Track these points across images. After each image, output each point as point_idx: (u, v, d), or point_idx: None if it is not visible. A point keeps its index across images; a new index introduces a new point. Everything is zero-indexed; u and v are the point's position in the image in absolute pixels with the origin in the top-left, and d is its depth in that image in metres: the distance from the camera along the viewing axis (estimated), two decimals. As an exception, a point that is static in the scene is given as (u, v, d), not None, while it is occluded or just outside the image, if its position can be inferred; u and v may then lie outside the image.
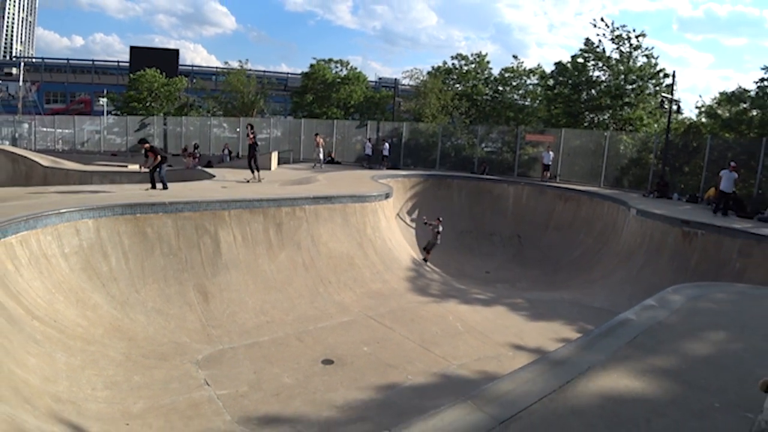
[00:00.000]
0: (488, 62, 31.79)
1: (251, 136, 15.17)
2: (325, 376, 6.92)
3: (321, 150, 22.86)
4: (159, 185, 11.28)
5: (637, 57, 25.47)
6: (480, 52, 32.15)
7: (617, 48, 25.56)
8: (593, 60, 26.22)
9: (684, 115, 26.14)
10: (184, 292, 8.65)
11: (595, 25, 26.02)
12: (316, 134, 24.47)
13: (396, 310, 9.83)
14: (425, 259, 14.57)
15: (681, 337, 4.57)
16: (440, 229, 14.32)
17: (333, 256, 11.14)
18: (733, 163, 13.90)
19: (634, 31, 25.29)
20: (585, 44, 26.23)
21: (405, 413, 5.55)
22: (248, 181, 14.90)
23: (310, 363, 7.30)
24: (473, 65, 31.76)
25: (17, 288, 6.44)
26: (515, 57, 31.92)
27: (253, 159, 15.14)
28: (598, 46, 25.83)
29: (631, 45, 25.37)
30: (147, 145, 11.78)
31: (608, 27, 25.48)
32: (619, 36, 25.38)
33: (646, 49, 25.40)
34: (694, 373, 3.82)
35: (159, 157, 11.38)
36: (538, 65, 31.08)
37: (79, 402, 5.34)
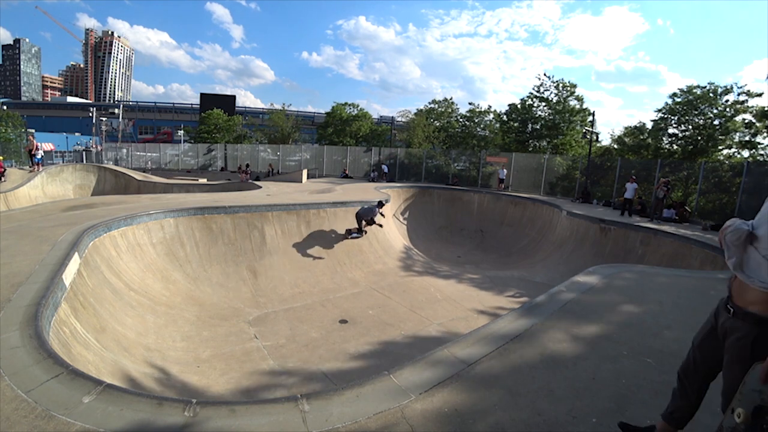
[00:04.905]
0: (456, 105, 31.93)
1: None
2: (341, 332, 6.91)
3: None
4: None
5: (569, 100, 25.51)
6: (449, 98, 32.35)
7: (557, 93, 25.62)
8: (538, 101, 26.27)
9: (601, 143, 26.16)
10: (239, 271, 8.64)
11: (539, 78, 26.35)
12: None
13: (392, 284, 9.82)
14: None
15: (599, 303, 4.57)
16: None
17: (347, 244, 11.10)
18: (633, 177, 13.89)
19: (569, 82, 25.44)
20: (534, 89, 26.40)
21: (399, 358, 5.55)
22: None
23: (330, 322, 7.29)
24: (443, 108, 31.82)
25: (119, 268, 6.44)
26: (471, 103, 32.35)
27: None
28: (545, 91, 25.92)
29: (566, 91, 25.46)
30: None
31: (549, 78, 25.74)
32: (559, 84, 25.52)
33: (577, 95, 25.46)
34: (609, 329, 3.81)
35: None
36: (490, 107, 31.19)
37: (163, 350, 5.33)
